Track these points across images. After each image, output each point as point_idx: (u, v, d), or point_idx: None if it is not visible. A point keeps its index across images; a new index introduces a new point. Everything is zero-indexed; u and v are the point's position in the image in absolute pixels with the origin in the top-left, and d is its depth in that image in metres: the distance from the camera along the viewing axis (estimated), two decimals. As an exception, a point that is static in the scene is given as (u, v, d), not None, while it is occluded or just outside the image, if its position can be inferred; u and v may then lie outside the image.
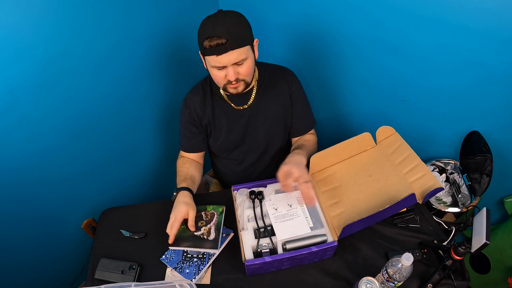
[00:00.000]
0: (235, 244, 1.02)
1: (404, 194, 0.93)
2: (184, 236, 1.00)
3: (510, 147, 1.22)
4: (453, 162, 1.39)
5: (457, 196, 1.31)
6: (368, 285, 0.81)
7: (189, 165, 1.16)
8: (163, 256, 1.01)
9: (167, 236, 1.06)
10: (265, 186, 1.10)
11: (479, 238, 0.82)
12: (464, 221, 1.29)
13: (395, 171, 1.03)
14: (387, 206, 0.90)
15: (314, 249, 0.89)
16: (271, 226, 0.99)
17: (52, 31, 0.98)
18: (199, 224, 1.04)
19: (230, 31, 0.89)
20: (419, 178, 0.98)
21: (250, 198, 1.05)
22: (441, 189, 0.92)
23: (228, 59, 0.92)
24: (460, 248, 0.85)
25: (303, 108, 1.20)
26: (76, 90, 1.13)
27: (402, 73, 1.29)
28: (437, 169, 1.40)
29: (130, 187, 1.57)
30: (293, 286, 0.94)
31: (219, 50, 0.90)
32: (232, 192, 1.08)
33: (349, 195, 1.03)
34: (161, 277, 0.97)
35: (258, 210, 1.02)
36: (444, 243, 0.98)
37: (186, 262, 0.99)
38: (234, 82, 0.98)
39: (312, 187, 1.06)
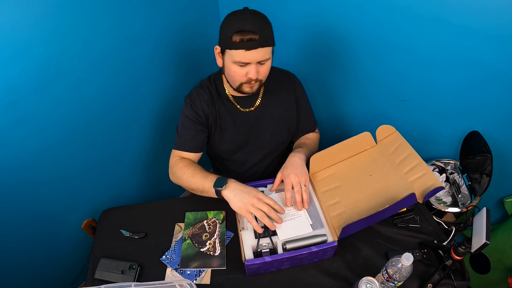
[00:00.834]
0: (235, 244, 1.02)
1: (404, 194, 0.93)
2: (190, 254, 1.00)
3: (510, 147, 1.22)
4: (453, 162, 1.39)
5: (457, 196, 1.31)
6: (368, 285, 0.81)
7: (195, 164, 1.11)
8: (163, 256, 1.01)
9: (167, 236, 1.06)
10: (265, 186, 1.10)
11: (479, 238, 0.82)
12: (464, 221, 1.29)
13: (396, 170, 1.03)
14: (387, 206, 0.90)
15: (314, 249, 0.89)
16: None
17: (52, 31, 0.98)
18: (204, 237, 1.04)
19: (262, 28, 0.89)
20: (419, 177, 0.97)
21: (250, 198, 1.04)
22: (441, 188, 0.92)
23: (255, 56, 0.91)
24: (460, 248, 0.85)
25: (306, 111, 1.22)
26: (76, 89, 1.13)
27: (402, 73, 1.29)
28: (437, 169, 1.40)
29: (130, 187, 1.57)
30: (293, 286, 0.94)
31: (250, 45, 0.89)
32: (232, 192, 1.08)
33: (349, 195, 1.03)
34: (161, 277, 0.97)
35: (258, 210, 1.02)
36: (444, 243, 0.98)
37: (186, 262, 0.99)
38: (253, 82, 0.97)
39: (312, 188, 1.08)
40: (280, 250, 0.93)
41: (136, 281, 0.96)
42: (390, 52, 1.26)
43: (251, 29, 0.88)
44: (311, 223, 0.98)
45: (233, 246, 1.02)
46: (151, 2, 1.24)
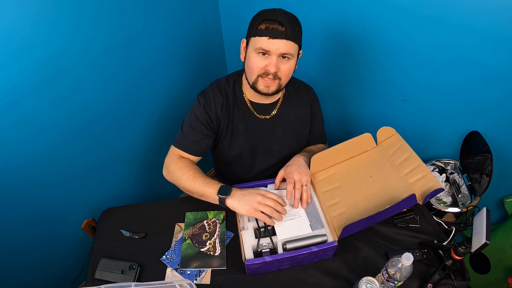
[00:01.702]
0: (235, 244, 1.02)
1: (404, 195, 0.93)
2: (191, 254, 1.00)
3: (510, 147, 1.22)
4: (453, 162, 1.39)
5: (457, 196, 1.31)
6: (368, 285, 0.81)
7: (195, 166, 1.10)
8: (163, 256, 1.01)
9: (167, 236, 1.06)
10: (266, 186, 1.10)
11: (479, 238, 0.82)
12: (464, 221, 1.29)
13: (396, 172, 1.03)
14: (388, 206, 0.90)
15: (314, 249, 0.89)
16: (272, 226, 0.99)
17: (51, 30, 0.98)
18: (204, 237, 1.04)
19: (291, 22, 0.91)
20: (419, 179, 0.98)
21: (250, 198, 1.04)
22: (441, 190, 0.92)
23: (278, 46, 0.90)
24: (460, 248, 0.85)
25: (320, 127, 1.24)
26: (76, 89, 1.12)
27: (402, 73, 1.29)
28: (437, 169, 1.40)
29: (130, 187, 1.57)
30: (293, 286, 0.94)
31: (275, 33, 0.89)
32: (233, 192, 1.08)
33: (349, 196, 1.03)
34: (161, 277, 0.97)
35: (258, 210, 1.02)
36: (444, 243, 0.98)
37: (186, 262, 0.99)
38: (270, 77, 0.95)
39: (312, 188, 1.08)
40: (280, 250, 0.93)
41: (136, 281, 0.96)
42: (390, 52, 1.26)
43: (279, 19, 0.89)
44: (310, 223, 0.98)
45: (233, 246, 1.02)
46: (151, 2, 1.24)
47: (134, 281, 0.95)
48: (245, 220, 1.00)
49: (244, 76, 1.06)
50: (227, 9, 1.55)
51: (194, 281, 0.95)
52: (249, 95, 1.08)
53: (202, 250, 1.01)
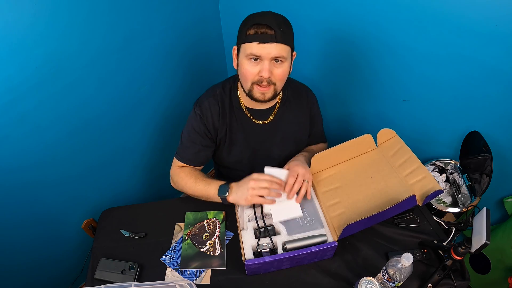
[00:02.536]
0: (235, 244, 1.02)
1: (404, 196, 0.93)
2: (190, 254, 1.00)
3: (510, 147, 1.22)
4: (453, 162, 1.39)
5: (457, 196, 1.31)
6: (368, 285, 0.81)
7: (196, 170, 1.12)
8: (163, 256, 1.01)
9: (167, 236, 1.06)
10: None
11: (479, 238, 0.82)
12: (464, 221, 1.29)
13: (395, 173, 1.03)
14: (388, 207, 0.90)
15: (314, 249, 0.89)
16: (272, 226, 0.99)
17: (51, 29, 0.98)
18: (204, 237, 1.04)
19: (280, 25, 0.88)
20: (419, 180, 0.98)
21: (250, 198, 1.04)
22: (440, 191, 0.92)
23: (269, 50, 0.88)
24: (460, 248, 0.85)
25: (319, 128, 1.23)
26: (75, 89, 1.12)
27: (402, 73, 1.29)
28: (437, 169, 1.40)
29: (130, 187, 1.57)
30: (293, 286, 0.94)
31: (264, 38, 0.87)
32: (232, 192, 1.08)
33: (349, 196, 1.03)
34: (161, 277, 0.97)
35: (258, 210, 1.02)
36: (444, 243, 0.98)
37: (186, 262, 0.99)
38: (265, 84, 0.93)
39: (312, 188, 1.08)
40: (280, 250, 0.93)
41: (136, 281, 0.96)
42: (390, 52, 1.26)
43: (267, 23, 0.87)
44: (310, 223, 0.98)
45: (233, 246, 1.02)
46: (150, 1, 1.24)
47: (134, 281, 0.95)
48: (245, 220, 1.00)
49: (239, 82, 1.04)
50: (227, 9, 1.55)
51: (194, 281, 0.95)
52: (245, 101, 1.07)
53: (202, 250, 1.01)
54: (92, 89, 1.18)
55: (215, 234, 1.05)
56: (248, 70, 0.92)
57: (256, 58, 0.90)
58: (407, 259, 0.79)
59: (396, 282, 0.83)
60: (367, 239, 1.02)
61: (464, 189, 1.32)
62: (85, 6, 1.04)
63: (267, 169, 1.02)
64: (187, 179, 1.08)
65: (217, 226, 1.07)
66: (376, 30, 1.24)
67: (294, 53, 0.98)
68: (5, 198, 1.10)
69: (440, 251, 0.94)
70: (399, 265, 0.81)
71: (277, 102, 1.10)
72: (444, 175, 1.38)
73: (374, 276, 0.84)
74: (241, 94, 1.07)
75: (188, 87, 1.59)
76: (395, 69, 1.30)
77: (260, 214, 1.01)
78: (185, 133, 1.11)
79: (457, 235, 1.19)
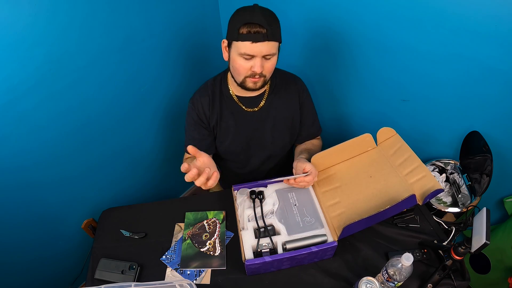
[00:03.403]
0: (235, 244, 1.02)
1: (404, 195, 0.93)
2: (190, 254, 1.01)
3: (510, 147, 1.22)
4: (453, 162, 1.39)
5: (457, 196, 1.31)
6: (368, 285, 0.81)
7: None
8: (163, 256, 1.01)
9: (167, 236, 1.07)
10: (266, 186, 1.10)
11: (479, 238, 0.82)
12: (464, 221, 1.29)
13: (395, 172, 1.03)
14: (388, 206, 0.90)
15: (314, 249, 0.89)
16: (272, 226, 0.99)
17: (51, 29, 0.98)
18: (204, 237, 1.04)
19: (270, 22, 0.90)
20: (419, 179, 0.98)
21: (251, 197, 1.05)
22: (441, 190, 0.92)
23: (261, 49, 0.91)
24: (460, 248, 0.85)
25: (311, 117, 1.22)
26: (75, 88, 1.12)
27: (402, 73, 1.29)
28: (437, 169, 1.40)
29: (130, 187, 1.57)
30: (293, 286, 0.94)
31: (257, 37, 0.89)
32: (233, 192, 1.08)
33: (349, 196, 1.03)
34: (161, 277, 0.97)
35: (258, 210, 1.02)
36: (444, 243, 0.98)
37: (186, 262, 0.99)
38: (257, 77, 0.97)
39: (312, 188, 1.08)
40: (280, 250, 0.93)
41: (136, 281, 0.96)
42: (390, 52, 1.26)
43: (258, 22, 0.89)
44: (310, 223, 0.98)
45: (233, 246, 1.02)
46: (150, 1, 1.23)
47: (134, 281, 0.95)
48: (245, 220, 1.00)
49: (229, 73, 1.08)
50: (227, 7, 1.55)
51: (194, 281, 0.95)
52: (235, 90, 1.11)
53: (202, 250, 1.01)
54: (92, 89, 1.18)
55: (215, 234, 1.05)
56: (241, 65, 0.96)
57: (249, 56, 0.93)
58: (407, 259, 0.79)
59: (396, 282, 0.83)
60: (367, 239, 1.02)
61: (464, 189, 1.32)
62: (85, 5, 1.04)
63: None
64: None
65: (217, 226, 1.07)
66: (376, 30, 1.24)
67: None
68: (5, 198, 1.10)
69: (440, 251, 0.94)
70: (399, 265, 0.81)
71: (265, 90, 1.12)
72: (444, 175, 1.38)
73: (374, 276, 0.85)
74: (231, 84, 1.11)
75: (188, 86, 1.59)
76: (395, 69, 1.30)
77: (260, 214, 1.01)
78: (186, 128, 1.17)
79: (457, 235, 1.19)
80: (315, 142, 1.26)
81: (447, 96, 1.24)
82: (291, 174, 1.03)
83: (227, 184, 1.37)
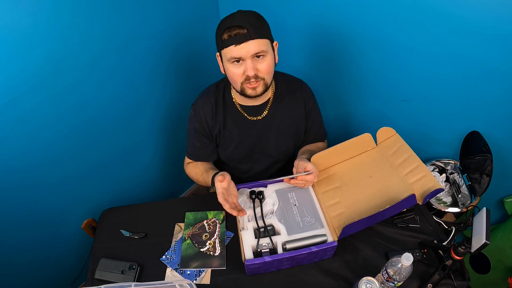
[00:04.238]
0: (235, 244, 1.02)
1: (404, 195, 0.93)
2: (190, 254, 1.01)
3: (510, 147, 1.22)
4: (453, 162, 1.39)
5: (457, 196, 1.31)
6: (368, 285, 0.81)
7: (202, 163, 1.17)
8: (163, 256, 1.01)
9: (167, 236, 1.07)
10: (266, 186, 1.10)
11: (479, 238, 0.82)
12: (464, 221, 1.29)
13: (395, 172, 1.03)
14: (388, 206, 0.90)
15: (314, 249, 0.89)
16: (272, 226, 0.99)
17: (51, 29, 0.98)
18: (204, 237, 1.04)
19: (250, 21, 0.88)
20: (419, 179, 0.98)
21: (251, 198, 1.05)
22: (441, 190, 0.92)
23: (247, 49, 0.88)
24: (460, 248, 0.85)
25: (317, 123, 1.21)
26: (75, 89, 1.12)
27: (402, 73, 1.29)
28: (437, 169, 1.40)
29: (130, 187, 1.57)
30: (293, 286, 0.94)
31: (239, 39, 0.87)
32: (232, 192, 1.08)
33: (349, 196, 1.03)
34: (161, 277, 0.97)
35: (258, 210, 1.02)
36: (444, 243, 0.98)
37: (186, 262, 0.99)
38: (253, 81, 0.94)
39: (312, 188, 1.08)
40: (280, 250, 0.93)
41: (136, 281, 0.96)
42: (390, 52, 1.26)
43: (238, 23, 0.87)
44: (310, 223, 0.98)
45: (233, 246, 1.02)
46: (151, 2, 1.24)
47: (134, 281, 0.95)
48: (245, 220, 1.00)
49: None
50: (227, 9, 1.56)
51: (194, 281, 0.95)
52: (238, 99, 1.08)
53: (202, 250, 1.01)
54: (92, 89, 1.18)
55: (215, 234, 1.05)
56: (234, 73, 0.94)
57: (238, 59, 0.91)
58: (407, 259, 0.79)
59: (396, 282, 0.84)
60: (367, 239, 1.02)
61: (464, 189, 1.32)
62: (85, 6, 1.04)
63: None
64: (193, 174, 1.18)
65: (217, 226, 1.07)
66: (376, 30, 1.24)
67: (275, 43, 0.98)
68: (5, 198, 1.10)
69: (440, 251, 0.94)
70: (399, 265, 0.81)
71: (269, 98, 1.10)
72: (444, 175, 1.38)
73: (374, 276, 0.84)
74: (234, 92, 1.09)
75: (188, 87, 1.59)
76: (395, 69, 1.30)
77: (260, 214, 1.01)
78: (187, 132, 1.17)
79: (457, 235, 1.19)
80: (320, 145, 1.25)
81: (447, 96, 1.24)
82: (292, 174, 1.03)
83: None
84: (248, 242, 0.95)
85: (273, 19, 0.94)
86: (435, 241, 1.00)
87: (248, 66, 0.91)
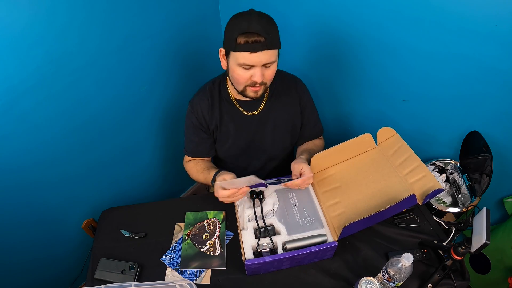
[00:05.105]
0: (235, 244, 1.02)
1: (404, 195, 0.93)
2: (190, 254, 1.01)
3: (510, 147, 1.22)
4: (453, 162, 1.39)
5: (457, 196, 1.31)
6: (368, 285, 0.81)
7: (203, 161, 1.18)
8: (163, 256, 1.01)
9: (167, 236, 1.07)
10: (266, 186, 1.10)
11: (479, 238, 0.82)
12: (464, 221, 1.29)
13: (395, 172, 1.03)
14: (388, 206, 0.90)
15: (314, 249, 0.89)
16: (272, 226, 0.99)
17: (52, 30, 0.98)
18: (204, 237, 1.04)
19: (267, 30, 0.87)
20: (419, 179, 0.97)
21: (251, 198, 1.05)
22: (441, 190, 0.92)
23: (260, 58, 0.89)
24: (460, 248, 0.85)
25: (313, 119, 1.22)
26: (75, 88, 1.12)
27: (402, 73, 1.29)
28: (437, 169, 1.40)
29: (130, 187, 1.57)
30: (293, 286, 0.94)
31: (255, 47, 0.87)
32: (232, 192, 1.08)
33: (349, 196, 1.03)
34: (161, 277, 0.97)
35: (258, 210, 1.02)
36: (444, 243, 0.98)
37: (186, 262, 0.99)
38: (257, 85, 0.96)
39: (312, 188, 1.08)
40: (280, 250, 0.93)
41: (136, 281, 0.96)
42: (390, 52, 1.26)
43: (256, 30, 0.85)
44: (309, 223, 0.98)
45: (233, 246, 1.02)
46: (151, 2, 1.23)
47: (134, 281, 0.95)
48: (245, 220, 1.00)
49: (228, 77, 1.06)
50: (227, 9, 1.55)
51: (194, 281, 0.95)
52: (235, 94, 1.10)
53: (202, 250, 1.01)
54: (91, 89, 1.18)
55: (215, 234, 1.05)
56: (241, 75, 0.94)
57: (248, 66, 0.91)
58: (407, 259, 0.79)
59: (396, 282, 0.84)
60: (367, 239, 1.02)
61: (464, 189, 1.32)
62: (84, 5, 1.03)
63: (228, 185, 0.98)
64: (193, 169, 1.17)
65: (217, 226, 1.07)
66: (376, 30, 1.24)
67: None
68: (5, 198, 1.10)
69: (440, 251, 0.94)
70: (399, 265, 0.81)
71: (265, 93, 1.11)
72: (444, 175, 1.38)
73: (374, 276, 0.85)
74: (230, 88, 1.10)
75: (188, 87, 1.59)
76: (395, 69, 1.30)
77: (260, 214, 1.01)
78: (185, 130, 1.18)
79: (457, 235, 1.19)
80: (317, 142, 1.25)
81: (447, 96, 1.24)
82: (290, 174, 1.03)
83: None
84: (248, 242, 0.95)
85: (272, 17, 0.94)
86: (435, 241, 1.00)
87: (257, 73, 0.92)
